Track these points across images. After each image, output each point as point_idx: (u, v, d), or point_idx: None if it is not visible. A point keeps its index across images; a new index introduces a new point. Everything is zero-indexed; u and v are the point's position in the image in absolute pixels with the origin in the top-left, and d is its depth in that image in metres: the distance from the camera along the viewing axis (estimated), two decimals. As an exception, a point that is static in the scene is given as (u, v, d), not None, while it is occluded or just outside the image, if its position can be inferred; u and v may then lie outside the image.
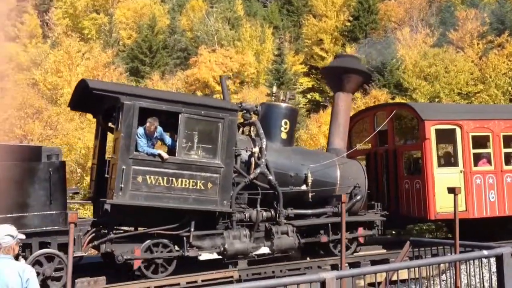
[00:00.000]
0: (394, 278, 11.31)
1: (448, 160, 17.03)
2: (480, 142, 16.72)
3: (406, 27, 57.38)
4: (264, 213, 14.17)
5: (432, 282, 11.22)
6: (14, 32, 68.65)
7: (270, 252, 14.19)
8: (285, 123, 14.94)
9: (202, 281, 13.31)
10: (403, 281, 11.74)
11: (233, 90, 51.59)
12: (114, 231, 12.81)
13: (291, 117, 15.16)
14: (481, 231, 16.37)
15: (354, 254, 15.54)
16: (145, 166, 12.58)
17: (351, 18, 60.72)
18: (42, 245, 12.29)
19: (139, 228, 13.10)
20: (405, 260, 12.40)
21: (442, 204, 15.62)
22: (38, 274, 11.81)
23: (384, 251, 15.97)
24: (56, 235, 12.37)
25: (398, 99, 46.88)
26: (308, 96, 56.77)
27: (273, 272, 14.19)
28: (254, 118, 15.15)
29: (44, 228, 12.25)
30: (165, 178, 12.72)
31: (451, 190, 12.05)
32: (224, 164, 13.27)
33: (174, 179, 12.80)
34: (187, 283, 13.18)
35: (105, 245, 12.81)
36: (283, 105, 15.19)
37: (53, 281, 12.20)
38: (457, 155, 16.19)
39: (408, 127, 17.13)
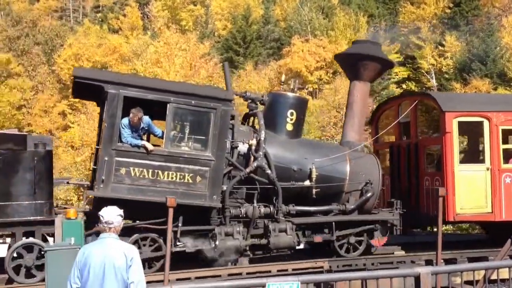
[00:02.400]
0: (494, 277, 10.70)
1: (473, 156, 15.58)
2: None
3: (512, 13, 54.44)
4: (262, 209, 13.48)
5: (536, 283, 10.31)
6: (117, 25, 71.71)
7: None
8: (291, 114, 14.10)
9: (293, 270, 13.09)
10: (503, 280, 11.23)
11: (325, 80, 50.79)
12: None
13: (299, 107, 14.30)
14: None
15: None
16: (129, 158, 12.27)
17: (451, 5, 58.19)
18: (27, 234, 12.25)
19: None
20: (505, 258, 11.95)
21: (464, 204, 14.27)
22: (20, 266, 11.94)
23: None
24: (41, 225, 12.22)
25: (500, 90, 44.64)
26: (404, 86, 54.86)
27: (364, 264, 13.86)
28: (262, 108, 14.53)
29: (29, 218, 12.16)
30: (150, 170, 12.36)
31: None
32: (215, 157, 12.70)
33: (160, 171, 12.42)
34: (278, 271, 13.01)
35: (91, 238, 12.63)
36: (290, 94, 14.40)
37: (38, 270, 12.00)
38: (484, 151, 14.69)
39: (432, 119, 15.69)
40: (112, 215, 6.68)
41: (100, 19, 79.70)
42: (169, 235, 11.72)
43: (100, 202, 12.43)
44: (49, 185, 12.45)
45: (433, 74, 54.52)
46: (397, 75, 54.98)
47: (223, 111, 12.79)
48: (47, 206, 12.30)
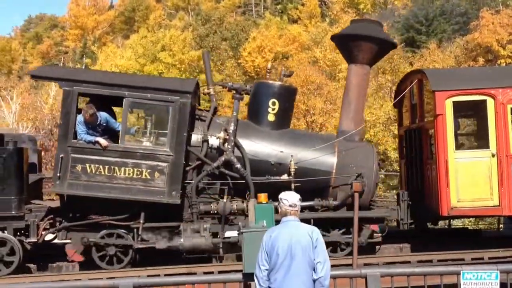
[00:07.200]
0: None
1: (475, 141, 13.30)
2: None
3: None
4: (235, 205, 12.76)
5: None
6: (296, 15, 73.02)
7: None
8: (273, 104, 13.12)
9: (489, 258, 12.42)
10: None
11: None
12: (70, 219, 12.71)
13: (282, 96, 13.28)
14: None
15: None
16: (85, 154, 12.27)
17: None
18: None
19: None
20: None
21: (462, 197, 12.32)
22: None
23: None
24: (11, 220, 12.59)
25: None
26: None
27: None
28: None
29: None
30: (106, 166, 12.25)
31: None
32: (174, 152, 12.29)
33: (116, 167, 12.28)
34: (472, 259, 12.43)
35: (61, 233, 12.83)
36: (273, 83, 13.42)
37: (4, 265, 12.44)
38: (488, 135, 12.49)
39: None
40: (295, 198, 7.15)
41: (280, 11, 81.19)
42: (356, 219, 11.72)
43: (61, 198, 12.76)
44: (19, 181, 12.75)
45: None
46: None
47: (181, 104, 12.32)
48: (15, 202, 12.61)
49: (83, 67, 63.74)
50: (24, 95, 55.42)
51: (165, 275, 11.73)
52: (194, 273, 11.78)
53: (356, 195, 11.60)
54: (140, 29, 66.06)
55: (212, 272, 11.74)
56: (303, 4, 74.16)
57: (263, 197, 10.35)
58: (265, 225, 9.25)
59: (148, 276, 11.67)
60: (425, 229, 14.34)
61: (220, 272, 11.60)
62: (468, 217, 13.04)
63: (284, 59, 54.00)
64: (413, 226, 13.75)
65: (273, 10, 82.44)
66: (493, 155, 12.41)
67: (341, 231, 12.95)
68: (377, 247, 13.47)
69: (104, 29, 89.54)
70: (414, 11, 57.18)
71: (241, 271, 8.74)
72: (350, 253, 12.84)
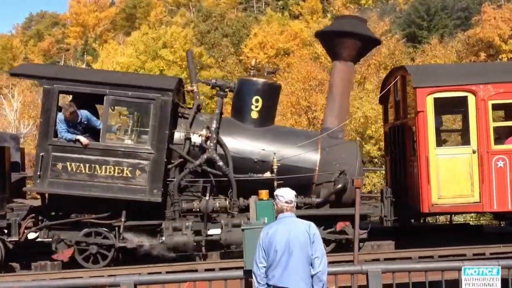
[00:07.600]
0: None
1: (456, 138, 13.21)
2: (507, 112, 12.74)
3: None
4: (218, 203, 12.70)
5: None
6: (297, 10, 72.93)
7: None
8: (256, 101, 13.09)
9: (491, 254, 12.27)
10: None
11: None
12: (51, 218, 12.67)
13: (266, 93, 13.21)
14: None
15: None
16: (66, 153, 12.20)
17: None
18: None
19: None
20: None
21: (443, 194, 12.24)
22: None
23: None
24: (-9, 218, 12.56)
25: None
26: None
27: None
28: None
29: None
30: (87, 165, 12.19)
31: None
32: (155, 150, 12.22)
33: (97, 166, 12.21)
34: (474, 254, 12.33)
35: (42, 232, 12.78)
36: (256, 80, 13.35)
37: None
38: (469, 131, 12.42)
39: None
40: (291, 195, 7.21)
41: (281, 7, 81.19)
42: (357, 215, 11.71)
43: (42, 197, 12.73)
44: (1, 180, 12.73)
45: None
46: None
47: (162, 101, 12.27)
48: None
49: (85, 65, 63.68)
50: (25, 93, 55.28)
51: (166, 272, 11.72)
52: (195, 270, 11.78)
53: (357, 190, 11.64)
54: (141, 26, 66.00)
55: (213, 269, 11.76)
56: (304, 0, 74.13)
57: (264, 193, 10.29)
58: (266, 222, 9.25)
59: (149, 273, 11.67)
60: (412, 226, 14.24)
61: (221, 269, 11.63)
62: (449, 213, 12.94)
63: (286, 55, 53.96)
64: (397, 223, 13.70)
65: (274, 6, 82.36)
66: (474, 152, 12.35)
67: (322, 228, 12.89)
68: (361, 244, 13.36)
69: (105, 26, 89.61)
70: (416, 6, 57.18)
71: (242, 268, 8.77)
72: (334, 250, 12.84)
